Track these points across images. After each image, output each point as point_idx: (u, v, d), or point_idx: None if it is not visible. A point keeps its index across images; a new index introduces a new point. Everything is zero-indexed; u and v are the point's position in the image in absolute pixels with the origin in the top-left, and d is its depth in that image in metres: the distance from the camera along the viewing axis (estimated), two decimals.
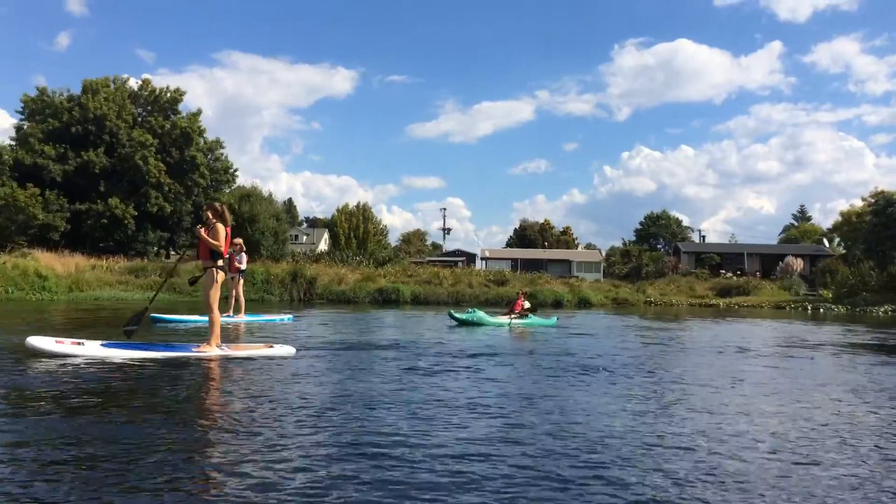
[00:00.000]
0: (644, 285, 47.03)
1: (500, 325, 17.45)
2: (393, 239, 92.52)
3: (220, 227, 8.78)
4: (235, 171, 53.54)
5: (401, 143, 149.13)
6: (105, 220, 43.05)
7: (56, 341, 8.11)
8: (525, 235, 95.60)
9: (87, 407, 5.59)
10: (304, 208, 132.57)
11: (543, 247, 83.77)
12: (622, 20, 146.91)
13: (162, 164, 45.69)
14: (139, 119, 48.59)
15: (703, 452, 4.84)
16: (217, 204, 9.07)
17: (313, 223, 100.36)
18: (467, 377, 8.08)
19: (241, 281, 16.19)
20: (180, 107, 50.47)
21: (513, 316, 18.05)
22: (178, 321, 14.74)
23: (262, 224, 49.58)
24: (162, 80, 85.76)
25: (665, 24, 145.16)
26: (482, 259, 72.42)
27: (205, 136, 50.27)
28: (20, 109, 46.82)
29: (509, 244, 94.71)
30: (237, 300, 15.97)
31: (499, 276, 41.36)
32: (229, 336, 12.16)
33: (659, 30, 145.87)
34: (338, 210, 78.19)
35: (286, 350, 9.26)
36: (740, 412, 6.37)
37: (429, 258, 70.32)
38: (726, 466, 4.48)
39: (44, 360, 7.71)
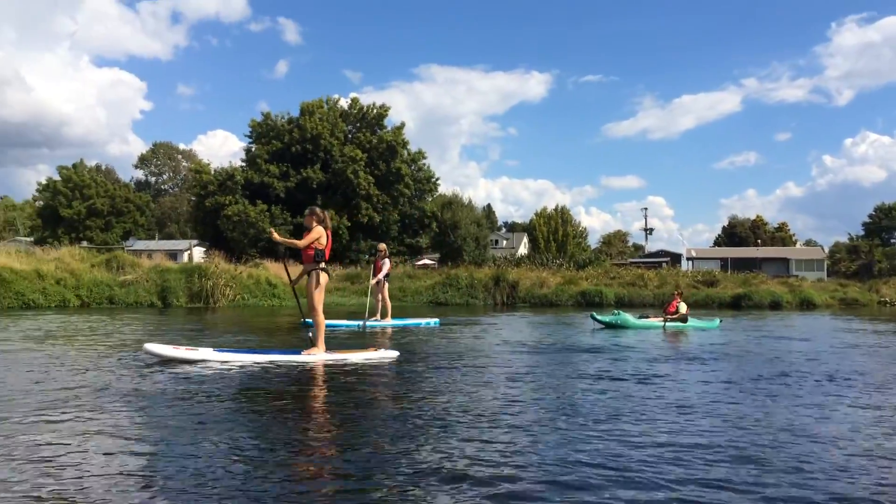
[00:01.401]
0: (877, 284, 42.27)
1: (650, 328, 16.50)
2: (593, 241, 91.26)
3: (320, 228, 8.94)
4: (437, 179, 55.56)
5: (597, 143, 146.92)
6: None
7: (172, 347, 8.56)
8: (735, 233, 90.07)
9: (206, 408, 5.73)
10: (502, 213, 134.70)
11: (756, 245, 78.24)
12: None
13: (371, 177, 48.45)
14: (349, 136, 51.91)
15: None
16: (318, 209, 9.26)
17: (512, 228, 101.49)
18: (644, 381, 7.64)
19: (387, 285, 16.43)
20: (385, 121, 53.32)
21: (667, 318, 17.04)
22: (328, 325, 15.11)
23: (464, 230, 51.02)
24: (368, 98, 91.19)
25: None
26: (688, 259, 69.15)
27: (408, 147, 52.64)
28: (248, 133, 52.00)
29: (717, 243, 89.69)
30: (384, 304, 16.16)
31: (708, 277, 39.16)
32: (377, 340, 12.37)
33: (884, 2, 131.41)
34: (536, 214, 78.59)
35: (390, 354, 9.37)
36: None
37: (631, 259, 68.38)
38: None
39: (164, 365, 8.10)
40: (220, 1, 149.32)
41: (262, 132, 50.65)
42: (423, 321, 16.75)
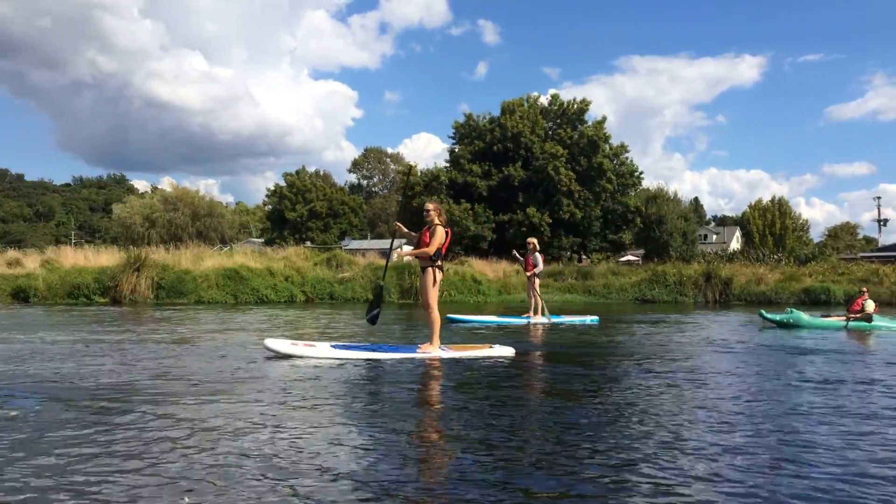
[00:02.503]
0: None
1: (827, 327, 14.94)
2: (815, 234, 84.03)
3: (440, 228, 8.72)
4: (640, 173, 53.92)
5: (818, 128, 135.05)
6: (524, 229, 46.79)
7: (291, 343, 8.65)
8: None
9: (327, 403, 5.70)
10: (710, 206, 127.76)
11: None
12: None
13: (572, 173, 48.05)
14: (550, 132, 51.83)
15: None
16: (439, 205, 9.04)
17: (722, 221, 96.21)
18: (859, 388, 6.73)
19: (538, 282, 15.84)
20: (586, 116, 52.59)
21: (850, 317, 15.07)
22: (470, 322, 14.99)
23: (670, 225, 49.11)
24: (568, 94, 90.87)
25: None
26: None
27: (610, 142, 51.57)
28: (452, 135, 53.63)
29: None
30: (536, 301, 15.60)
31: None
32: (528, 336, 12.12)
33: None
34: (749, 206, 74.08)
35: (506, 350, 9.04)
36: None
37: (862, 254, 61.97)
38: None
39: (286, 360, 8.17)
40: (423, 8, 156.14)
41: (465, 133, 52.01)
42: (579, 318, 16.38)
